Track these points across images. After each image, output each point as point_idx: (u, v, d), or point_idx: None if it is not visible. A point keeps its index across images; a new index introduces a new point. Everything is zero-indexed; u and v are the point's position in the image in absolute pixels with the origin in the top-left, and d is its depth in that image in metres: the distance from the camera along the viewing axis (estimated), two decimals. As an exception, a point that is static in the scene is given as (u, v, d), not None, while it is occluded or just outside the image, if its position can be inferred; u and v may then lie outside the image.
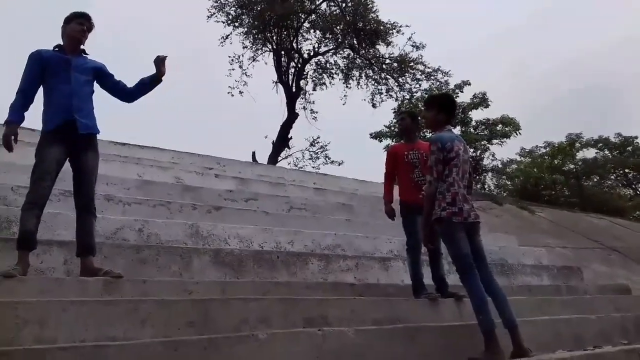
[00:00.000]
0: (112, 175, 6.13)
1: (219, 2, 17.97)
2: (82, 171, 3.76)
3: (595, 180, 27.90)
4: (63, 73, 3.75)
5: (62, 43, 3.91)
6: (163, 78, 4.04)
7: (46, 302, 2.85)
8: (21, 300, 2.81)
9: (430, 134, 4.24)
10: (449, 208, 3.66)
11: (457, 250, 3.66)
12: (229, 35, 18.32)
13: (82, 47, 3.95)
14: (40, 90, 3.78)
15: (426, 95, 21.51)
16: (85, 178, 3.77)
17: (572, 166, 26.92)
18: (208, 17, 17.95)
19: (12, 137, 3.62)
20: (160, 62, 4.00)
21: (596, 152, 29.47)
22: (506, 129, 21.16)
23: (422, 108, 4.97)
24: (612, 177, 29.32)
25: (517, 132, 20.91)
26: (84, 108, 3.79)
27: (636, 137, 29.35)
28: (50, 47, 3.89)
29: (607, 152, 29.71)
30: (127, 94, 4.11)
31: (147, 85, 4.05)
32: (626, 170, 28.88)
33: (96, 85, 4.02)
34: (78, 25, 3.88)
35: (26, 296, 2.98)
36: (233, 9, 18.16)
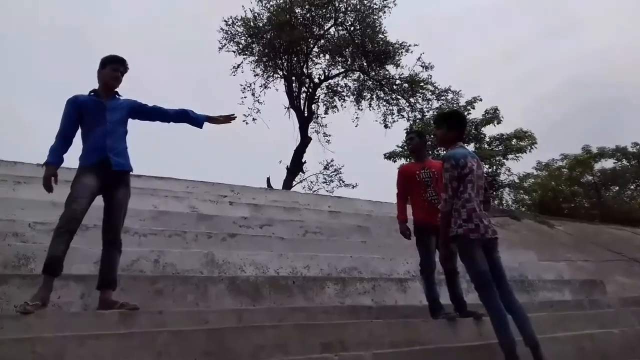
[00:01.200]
0: (128, 207, 6.19)
1: (229, 33, 18.29)
2: (112, 206, 3.89)
3: (615, 190, 27.45)
4: (98, 116, 3.92)
5: (97, 87, 4.06)
6: (207, 126, 4.34)
7: (62, 337, 2.88)
8: (38, 335, 2.84)
9: (443, 152, 4.24)
10: (465, 225, 3.64)
11: (475, 267, 3.62)
12: (240, 64, 18.61)
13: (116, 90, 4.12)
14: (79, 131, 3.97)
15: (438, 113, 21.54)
16: (115, 212, 3.90)
17: (590, 177, 26.55)
18: (220, 48, 18.26)
19: (52, 179, 3.80)
20: (225, 119, 4.45)
21: (614, 163, 29.08)
22: (521, 143, 21.00)
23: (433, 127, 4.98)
24: (632, 187, 28.84)
25: (533, 146, 20.75)
26: (117, 147, 3.95)
27: (654, 146, 28.92)
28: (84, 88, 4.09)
29: (625, 161, 29.30)
30: (164, 116, 4.28)
31: (189, 118, 4.29)
32: (645, 180, 28.40)
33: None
34: (113, 71, 4.03)
35: (43, 331, 3.01)
36: (243, 38, 18.46)
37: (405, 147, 21.07)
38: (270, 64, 19.00)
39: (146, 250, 4.83)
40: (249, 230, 6.57)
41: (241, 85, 18.77)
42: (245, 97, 18.65)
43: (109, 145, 3.87)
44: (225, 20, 18.18)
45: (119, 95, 4.13)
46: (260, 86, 19.12)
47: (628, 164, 28.78)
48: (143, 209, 6.31)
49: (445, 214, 3.74)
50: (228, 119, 4.47)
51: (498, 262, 3.74)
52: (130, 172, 4.08)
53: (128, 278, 4.23)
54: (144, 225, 5.83)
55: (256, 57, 18.74)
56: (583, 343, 4.27)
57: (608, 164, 28.48)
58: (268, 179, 17.50)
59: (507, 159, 20.84)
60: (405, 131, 20.11)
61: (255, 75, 19.04)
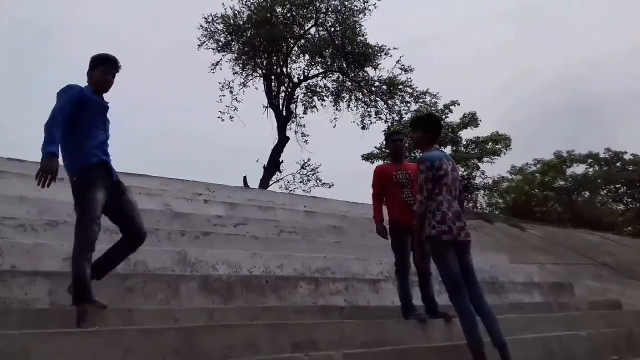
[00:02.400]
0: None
1: (208, 30, 18.17)
2: (128, 206, 3.72)
3: (586, 196, 28.03)
4: (100, 119, 3.69)
5: (88, 84, 3.76)
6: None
7: (27, 334, 2.81)
8: (2, 332, 2.77)
9: (419, 154, 4.29)
10: (439, 226, 3.69)
11: (447, 269, 3.67)
12: (219, 61, 18.52)
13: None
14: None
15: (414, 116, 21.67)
16: (137, 212, 3.75)
17: (562, 182, 27.07)
18: (199, 45, 18.14)
19: (55, 174, 3.29)
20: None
21: (586, 168, 29.71)
22: (496, 146, 21.30)
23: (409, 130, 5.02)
24: (603, 192, 29.49)
25: (508, 148, 21.05)
26: (110, 157, 3.73)
27: (625, 152, 29.66)
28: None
29: (596, 167, 29.96)
30: None
31: None
32: (616, 186, 29.08)
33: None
34: (103, 74, 3.75)
35: (7, 328, 2.94)
36: (223, 35, 18.36)
37: (385, 148, 21.23)
38: (249, 62, 18.92)
39: (117, 247, 4.77)
40: (223, 229, 6.53)
41: (220, 83, 18.68)
42: (223, 96, 18.56)
43: (107, 152, 3.67)
44: (205, 17, 18.11)
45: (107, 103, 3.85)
46: (239, 84, 19.05)
47: (599, 170, 29.46)
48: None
49: (420, 215, 3.79)
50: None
51: (469, 264, 3.79)
52: None
53: (98, 275, 4.17)
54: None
55: (235, 55, 18.66)
56: (550, 345, 4.34)
57: (580, 169, 29.12)
58: (244, 178, 17.43)
59: (482, 162, 21.13)
60: (383, 132, 20.26)
61: (234, 74, 18.97)
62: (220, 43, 18.32)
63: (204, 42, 18.18)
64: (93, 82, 3.75)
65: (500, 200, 25.79)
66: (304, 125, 20.01)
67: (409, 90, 18.92)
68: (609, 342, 4.73)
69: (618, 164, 29.57)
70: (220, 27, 18.22)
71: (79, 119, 3.53)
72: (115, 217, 3.74)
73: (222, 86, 18.59)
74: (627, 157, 29.51)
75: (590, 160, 29.69)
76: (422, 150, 4.12)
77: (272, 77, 19.24)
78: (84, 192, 3.46)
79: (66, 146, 3.52)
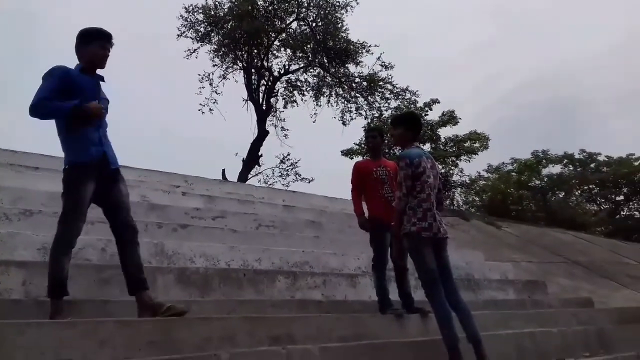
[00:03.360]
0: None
1: (189, 20, 17.98)
2: (119, 203, 3.52)
3: (561, 196, 28.51)
4: (92, 100, 3.37)
5: (79, 62, 3.52)
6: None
7: (2, 324, 2.77)
8: (-25, 323, 2.72)
9: (399, 151, 4.33)
10: (419, 223, 3.73)
11: (424, 265, 3.72)
12: (196, 49, 18.30)
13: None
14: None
15: (395, 114, 21.82)
16: (126, 207, 3.54)
17: (537, 182, 27.48)
18: (178, 35, 17.93)
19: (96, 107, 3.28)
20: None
21: (561, 168, 30.21)
22: (474, 144, 21.53)
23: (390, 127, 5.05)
24: (577, 192, 30.03)
25: (485, 147, 21.30)
26: (108, 140, 3.55)
27: (599, 154, 30.22)
28: None
29: (571, 167, 30.49)
30: None
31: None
32: (590, 186, 29.64)
33: None
34: (101, 49, 3.49)
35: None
36: (202, 26, 18.17)
37: (364, 145, 21.30)
38: (229, 54, 18.80)
39: (93, 238, 4.69)
40: (201, 222, 6.49)
41: (199, 75, 18.52)
42: (203, 88, 18.41)
43: (102, 138, 3.44)
44: (185, 7, 17.90)
45: (104, 81, 3.59)
46: (219, 77, 18.92)
47: (574, 171, 29.98)
48: (92, 196, 6.13)
49: (399, 212, 3.83)
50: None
51: (446, 260, 3.85)
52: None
53: (73, 266, 4.06)
54: (91, 212, 5.65)
55: (215, 47, 18.51)
56: (523, 341, 4.42)
57: (556, 169, 29.59)
58: (223, 171, 17.35)
59: (460, 160, 21.34)
60: (363, 129, 20.33)
61: (214, 66, 18.81)
62: (199, 33, 18.14)
63: (184, 32, 17.99)
64: (87, 59, 3.49)
65: (477, 199, 26.10)
66: (284, 119, 19.98)
67: (389, 87, 19.01)
68: (580, 339, 4.83)
69: (592, 165, 30.15)
70: (200, 17, 18.06)
71: None
72: (104, 209, 3.59)
73: (202, 78, 18.47)
74: (601, 158, 30.13)
75: (566, 160, 30.21)
76: (402, 147, 4.16)
77: (253, 70, 19.13)
78: (73, 187, 3.33)
79: (63, 134, 3.40)
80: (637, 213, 29.81)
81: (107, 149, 3.50)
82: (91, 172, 3.36)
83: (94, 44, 3.48)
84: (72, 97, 3.28)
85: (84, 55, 3.50)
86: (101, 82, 3.60)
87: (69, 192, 3.33)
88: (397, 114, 4.87)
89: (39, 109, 3.24)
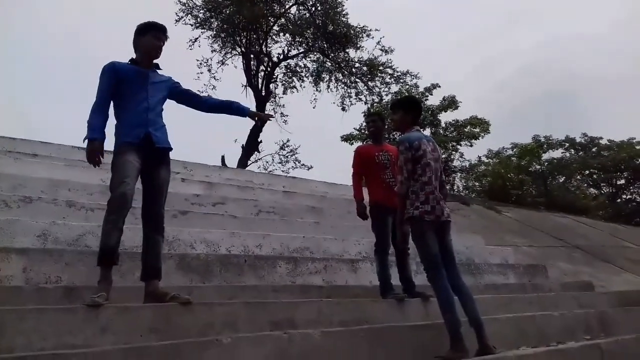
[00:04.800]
0: (75, 181, 6.02)
1: (187, 5, 17.81)
2: (155, 187, 3.58)
3: (561, 180, 28.48)
4: (140, 88, 3.60)
5: (134, 56, 3.74)
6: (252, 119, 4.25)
7: (3, 311, 2.77)
8: (-24, 309, 2.72)
9: (399, 136, 4.32)
10: (422, 207, 3.72)
11: (426, 249, 3.71)
12: (197, 38, 18.18)
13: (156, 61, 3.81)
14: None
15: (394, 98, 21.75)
16: (158, 196, 3.59)
17: (538, 167, 27.43)
18: (176, 20, 17.76)
19: (99, 154, 3.45)
20: (263, 118, 4.58)
21: (562, 152, 30.16)
22: (474, 130, 21.47)
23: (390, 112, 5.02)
24: (578, 177, 30.00)
25: (486, 132, 21.24)
26: (158, 123, 3.66)
27: (601, 138, 30.16)
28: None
29: (573, 152, 30.45)
30: (207, 106, 4.06)
31: (231, 110, 4.05)
32: (591, 170, 29.61)
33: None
34: (156, 40, 3.69)
35: (-19, 305, 2.89)
36: (202, 12, 18.01)
37: (364, 130, 21.27)
38: (228, 40, 18.65)
39: (94, 225, 4.68)
40: (201, 208, 6.48)
41: (197, 60, 18.42)
42: (201, 73, 18.33)
43: (151, 120, 3.57)
44: (183, -8, 17.70)
45: (160, 69, 3.81)
46: (218, 62, 18.81)
47: (575, 155, 29.93)
48: (91, 183, 6.13)
49: (402, 196, 3.82)
50: (264, 119, 4.39)
51: (449, 244, 3.84)
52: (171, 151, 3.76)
53: (74, 253, 4.11)
54: (91, 199, 5.67)
55: (214, 32, 18.35)
56: (524, 324, 4.42)
57: (557, 153, 29.54)
58: (222, 157, 17.30)
59: (461, 145, 21.31)
60: (363, 114, 20.28)
61: (212, 51, 18.68)
62: (199, 19, 17.98)
63: (182, 17, 17.82)
64: (141, 50, 3.71)
65: (477, 184, 26.07)
66: (283, 105, 19.93)
67: (390, 72, 18.91)
68: (581, 322, 4.83)
69: (594, 150, 30.10)
70: (198, 2, 17.88)
71: (119, 95, 3.57)
72: (142, 189, 3.66)
73: (200, 63, 18.38)
74: (603, 142, 30.05)
75: (567, 145, 30.16)
76: (402, 131, 4.13)
77: (252, 56, 19.00)
78: (115, 160, 3.46)
79: (117, 118, 3.62)
80: (637, 197, 29.84)
81: (154, 129, 3.59)
82: (133, 149, 3.47)
83: (149, 35, 3.68)
84: (120, 89, 3.55)
85: (139, 46, 3.71)
86: (158, 71, 3.80)
87: (112, 165, 3.46)
88: (396, 99, 4.84)
89: (90, 115, 3.48)
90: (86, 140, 3.45)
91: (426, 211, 3.71)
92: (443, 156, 20.08)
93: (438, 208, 3.74)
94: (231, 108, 4.05)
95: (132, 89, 3.58)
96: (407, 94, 18.33)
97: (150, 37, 3.68)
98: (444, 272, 3.67)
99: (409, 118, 4.09)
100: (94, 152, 3.42)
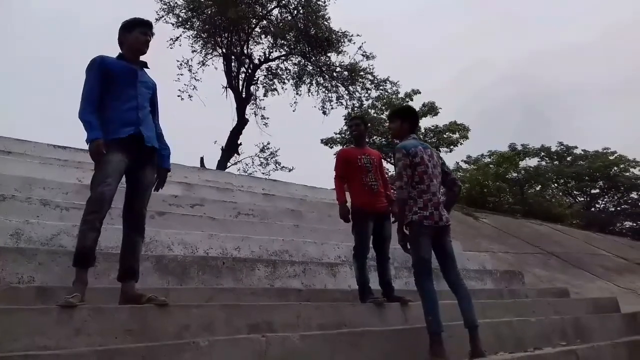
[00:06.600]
0: (50, 180, 5.90)
1: (167, 4, 17.66)
2: (139, 186, 3.50)
3: (538, 188, 28.90)
4: (128, 84, 3.51)
5: (121, 51, 3.66)
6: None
7: (-29, 311, 2.68)
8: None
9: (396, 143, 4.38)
10: (420, 212, 3.81)
11: (419, 253, 3.79)
12: (178, 37, 18.03)
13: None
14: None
15: (376, 104, 21.88)
16: (141, 196, 3.52)
17: (515, 174, 27.79)
18: (157, 19, 17.57)
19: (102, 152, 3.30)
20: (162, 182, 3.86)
21: (539, 161, 30.61)
22: (454, 135, 21.65)
23: (387, 121, 5.03)
24: (554, 185, 30.49)
25: (465, 138, 21.45)
26: (147, 122, 3.56)
27: (576, 147, 30.69)
28: None
29: (548, 160, 30.93)
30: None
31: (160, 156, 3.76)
32: (566, 179, 30.11)
33: None
34: (142, 35, 3.64)
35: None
36: (183, 11, 17.88)
37: (344, 134, 21.31)
38: (209, 40, 18.55)
39: (68, 224, 4.59)
40: (179, 209, 6.40)
41: (178, 61, 18.26)
42: (182, 74, 18.19)
43: (141, 118, 3.47)
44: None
45: (148, 67, 3.74)
46: (198, 63, 18.69)
47: (551, 164, 30.41)
48: (67, 182, 6.02)
49: (402, 201, 3.87)
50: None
51: (449, 246, 3.94)
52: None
53: (47, 252, 4.01)
54: (67, 198, 5.56)
55: (195, 32, 18.23)
56: (501, 330, 4.45)
57: (533, 162, 29.98)
58: (202, 159, 17.20)
59: (440, 151, 21.45)
60: (343, 118, 20.32)
61: (193, 52, 18.56)
62: (180, 18, 17.84)
63: (162, 16, 17.65)
64: (127, 46, 3.65)
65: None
66: (264, 107, 19.88)
67: (370, 77, 19.01)
68: (557, 328, 4.88)
69: (569, 159, 30.62)
70: (180, 1, 17.74)
71: (106, 90, 3.45)
72: (126, 187, 3.56)
73: (181, 64, 18.22)
74: (577, 152, 30.60)
75: (543, 153, 30.62)
76: (400, 139, 4.21)
77: (233, 57, 18.92)
78: (98, 159, 3.35)
79: (102, 114, 3.45)
80: (611, 206, 30.42)
81: (143, 127, 3.49)
82: (120, 148, 3.36)
83: (136, 31, 3.64)
84: (109, 84, 3.44)
85: (125, 42, 3.66)
86: (145, 69, 3.73)
87: (97, 165, 3.35)
88: (393, 109, 4.91)
89: (80, 113, 3.36)
90: (88, 140, 3.32)
91: (425, 216, 3.79)
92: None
93: (436, 214, 3.82)
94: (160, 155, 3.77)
95: (120, 86, 3.48)
96: (388, 99, 18.44)
97: (137, 33, 3.64)
98: (432, 278, 3.76)
99: (406, 126, 4.21)
100: (99, 151, 3.28)
